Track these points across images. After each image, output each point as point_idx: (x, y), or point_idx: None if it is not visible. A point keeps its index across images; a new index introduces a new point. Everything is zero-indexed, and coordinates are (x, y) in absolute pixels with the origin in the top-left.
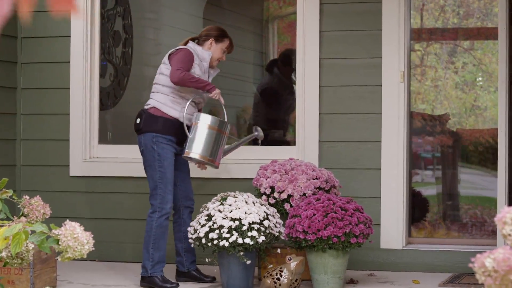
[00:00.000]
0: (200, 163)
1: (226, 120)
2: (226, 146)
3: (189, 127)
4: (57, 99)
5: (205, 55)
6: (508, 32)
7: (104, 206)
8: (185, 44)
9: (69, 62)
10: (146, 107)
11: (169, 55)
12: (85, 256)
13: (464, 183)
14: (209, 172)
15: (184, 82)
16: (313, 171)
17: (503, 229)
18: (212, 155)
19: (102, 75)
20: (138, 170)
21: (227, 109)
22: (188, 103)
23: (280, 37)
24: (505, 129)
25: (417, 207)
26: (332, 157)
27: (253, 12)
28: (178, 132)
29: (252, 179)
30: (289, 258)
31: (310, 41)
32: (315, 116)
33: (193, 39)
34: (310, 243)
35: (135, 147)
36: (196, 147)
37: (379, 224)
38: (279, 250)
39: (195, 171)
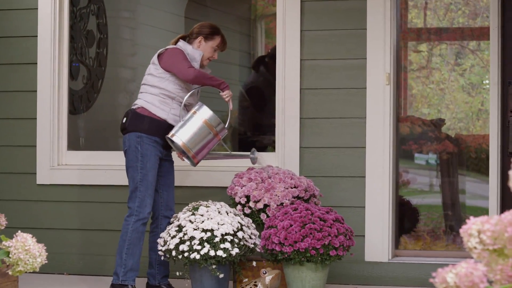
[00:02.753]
0: (180, 153)
1: (226, 125)
2: (214, 152)
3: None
4: (23, 103)
5: (195, 55)
6: (501, 32)
7: (73, 216)
8: (175, 42)
9: (36, 63)
10: (133, 107)
11: (158, 55)
12: (37, 270)
13: (462, 191)
14: (180, 180)
15: (200, 79)
16: (291, 179)
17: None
18: (195, 150)
19: (74, 77)
20: (110, 178)
21: (218, 114)
22: (182, 105)
23: (269, 37)
24: (497, 135)
25: (406, 217)
26: (313, 164)
27: (239, 11)
28: (165, 134)
29: (227, 187)
30: (264, 272)
31: (290, 41)
32: (295, 120)
33: (184, 37)
34: (286, 255)
35: (108, 154)
36: (183, 134)
37: (363, 235)
38: (254, 263)
39: None
